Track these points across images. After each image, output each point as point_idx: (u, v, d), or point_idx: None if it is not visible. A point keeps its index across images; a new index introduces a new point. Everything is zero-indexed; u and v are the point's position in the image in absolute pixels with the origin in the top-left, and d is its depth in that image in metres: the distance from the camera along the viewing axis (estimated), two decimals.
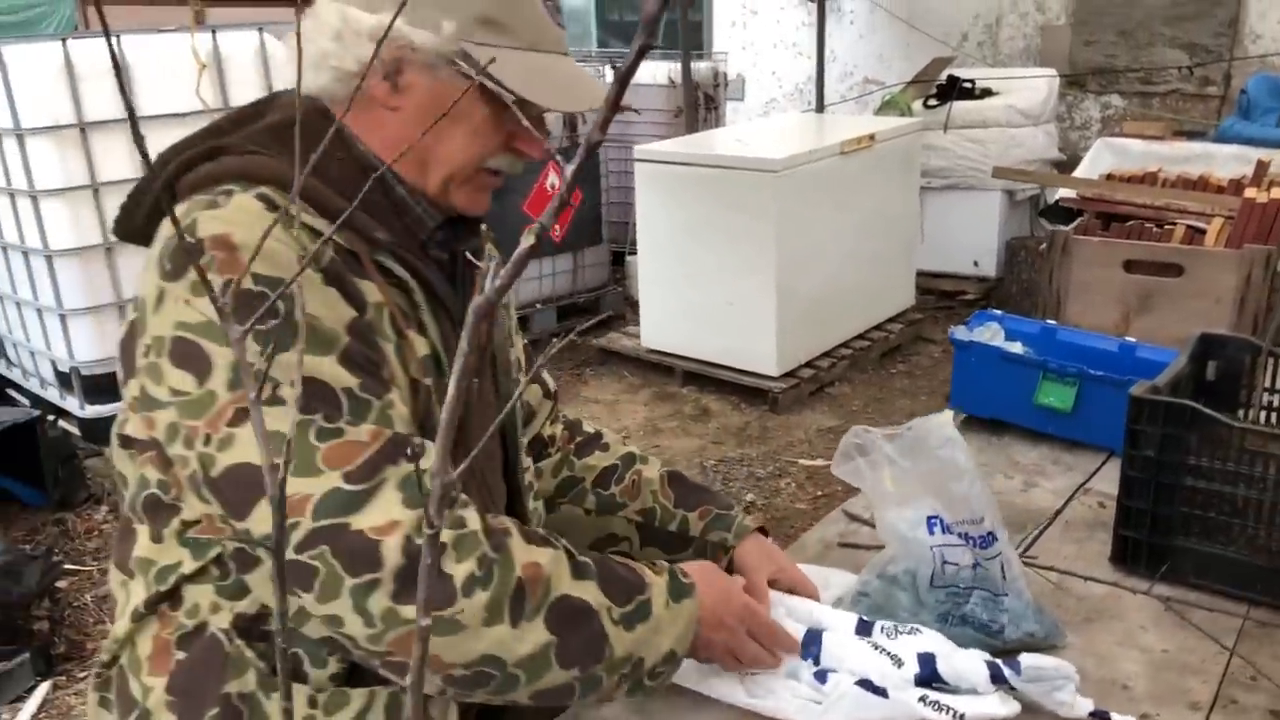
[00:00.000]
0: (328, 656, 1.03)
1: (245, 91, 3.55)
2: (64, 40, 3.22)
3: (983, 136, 5.34)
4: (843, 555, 1.51)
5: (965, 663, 1.13)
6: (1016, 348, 1.97)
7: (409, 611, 0.89)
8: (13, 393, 3.93)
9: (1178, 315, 2.95)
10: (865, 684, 1.12)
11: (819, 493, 3.55)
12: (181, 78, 3.36)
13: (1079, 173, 4.38)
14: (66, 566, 3.10)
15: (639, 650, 1.02)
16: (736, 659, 1.15)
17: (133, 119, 0.54)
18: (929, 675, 1.13)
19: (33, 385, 3.73)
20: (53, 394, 3.61)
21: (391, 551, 0.90)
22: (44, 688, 2.60)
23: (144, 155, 0.52)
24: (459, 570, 0.92)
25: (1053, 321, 2.10)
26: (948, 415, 1.23)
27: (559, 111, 1.11)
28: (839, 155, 4.32)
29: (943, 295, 5.49)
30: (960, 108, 5.38)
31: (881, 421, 1.29)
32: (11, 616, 2.63)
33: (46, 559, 2.80)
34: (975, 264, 5.49)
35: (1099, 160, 4.39)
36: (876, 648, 1.15)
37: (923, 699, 1.11)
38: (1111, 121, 6.32)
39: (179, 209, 1.03)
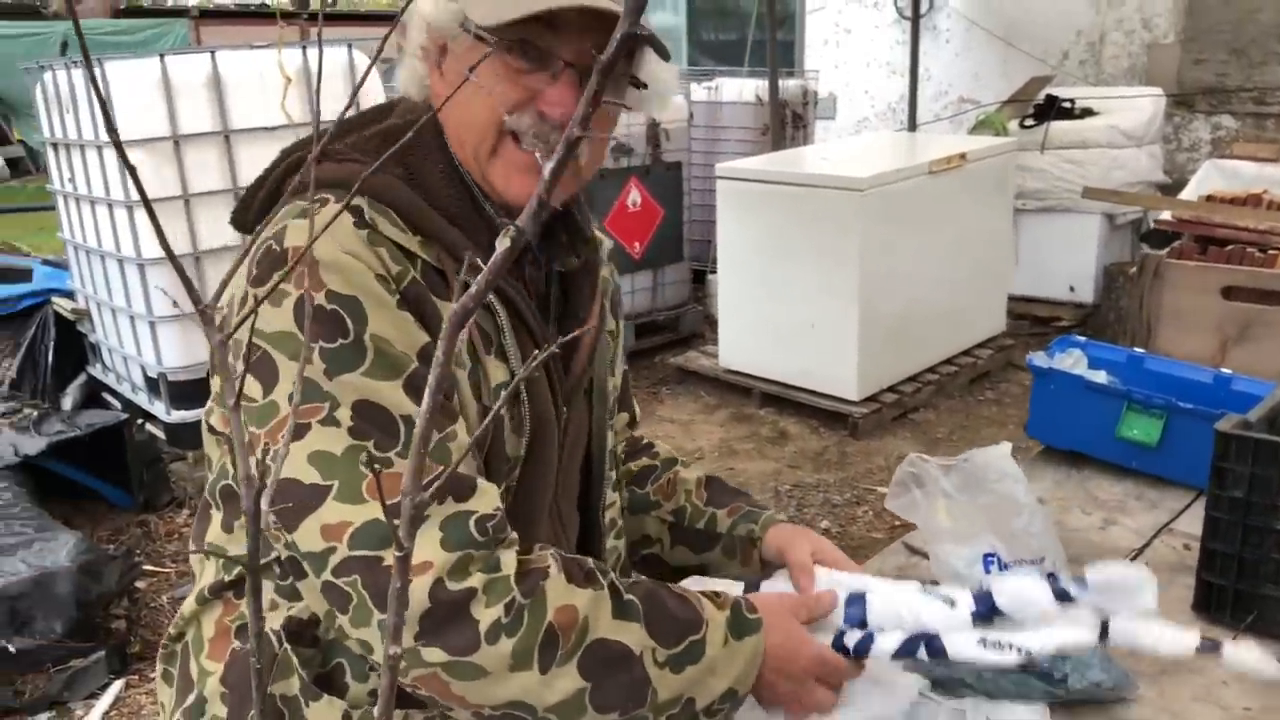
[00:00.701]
0: (369, 671, 1.01)
1: (333, 105, 3.62)
2: (162, 56, 3.33)
3: (1081, 158, 5.15)
4: None
5: (1025, 589, 1.01)
6: (1100, 376, 1.86)
7: (431, 654, 0.89)
8: (107, 396, 4.07)
9: None
10: (915, 639, 1.02)
11: (896, 523, 3.44)
12: (271, 93, 3.44)
13: (1184, 195, 4.18)
14: (146, 567, 3.17)
15: (689, 691, 0.98)
16: (801, 706, 1.07)
17: (115, 136, 0.52)
18: (987, 610, 1.02)
19: (124, 389, 3.85)
20: (142, 399, 3.72)
21: (419, 593, 0.89)
22: (117, 685, 2.66)
23: (127, 165, 0.50)
24: (485, 615, 0.90)
25: (1141, 350, 1.98)
26: (1006, 447, 1.16)
27: (511, 20, 0.95)
28: (927, 175, 4.21)
29: (1036, 321, 5.30)
30: (1058, 128, 5.20)
31: (967, 451, 1.23)
32: (90, 614, 2.70)
33: (127, 559, 2.87)
34: (1071, 289, 5.29)
35: (1206, 183, 4.19)
36: (927, 591, 1.05)
37: (982, 641, 1.00)
38: (1222, 143, 6.04)
39: (280, 212, 1.04)
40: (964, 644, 0.99)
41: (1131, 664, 1.25)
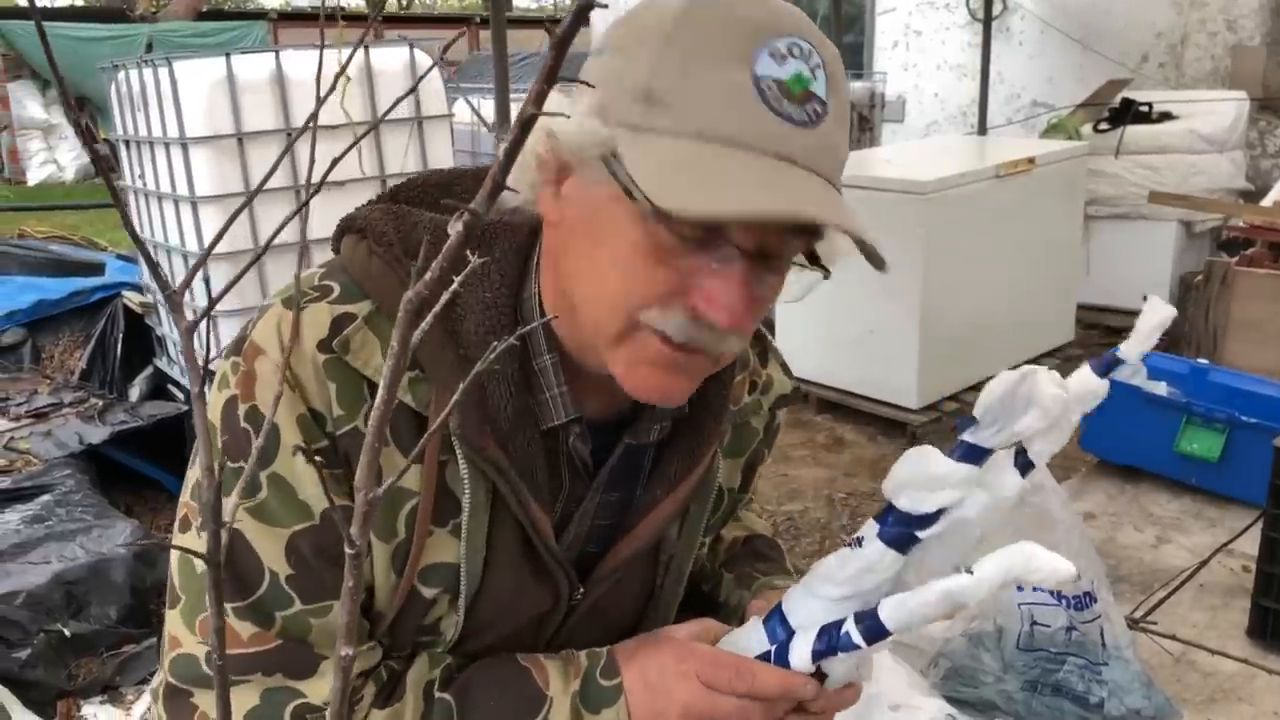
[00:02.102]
0: None
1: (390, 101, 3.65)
2: (228, 55, 3.39)
3: (1158, 163, 4.98)
4: None
5: (915, 471, 0.82)
6: (1160, 388, 1.78)
7: None
8: (172, 388, 4.16)
9: None
10: (833, 627, 0.83)
11: None
12: (333, 92, 3.48)
13: (1266, 203, 4.02)
14: None
15: None
16: None
17: (82, 129, 0.51)
18: (893, 523, 0.83)
19: (187, 382, 3.93)
20: None
21: None
22: None
23: (94, 155, 0.49)
24: None
25: (1206, 361, 1.89)
26: None
27: (699, 218, 0.73)
28: (994, 179, 4.11)
29: (1107, 331, 5.15)
30: (1134, 132, 5.04)
31: None
32: (144, 601, 2.75)
33: None
34: (1144, 299, 5.12)
35: None
36: (836, 554, 0.87)
37: (912, 592, 0.79)
38: None
39: (288, 285, 0.91)
40: (896, 606, 0.78)
41: (1178, 690, 1.18)
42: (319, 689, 0.85)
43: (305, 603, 0.85)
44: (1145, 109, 5.15)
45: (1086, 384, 0.86)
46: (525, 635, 0.97)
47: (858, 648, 0.80)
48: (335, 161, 0.61)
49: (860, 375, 4.19)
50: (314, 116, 0.74)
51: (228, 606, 0.85)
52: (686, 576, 1.04)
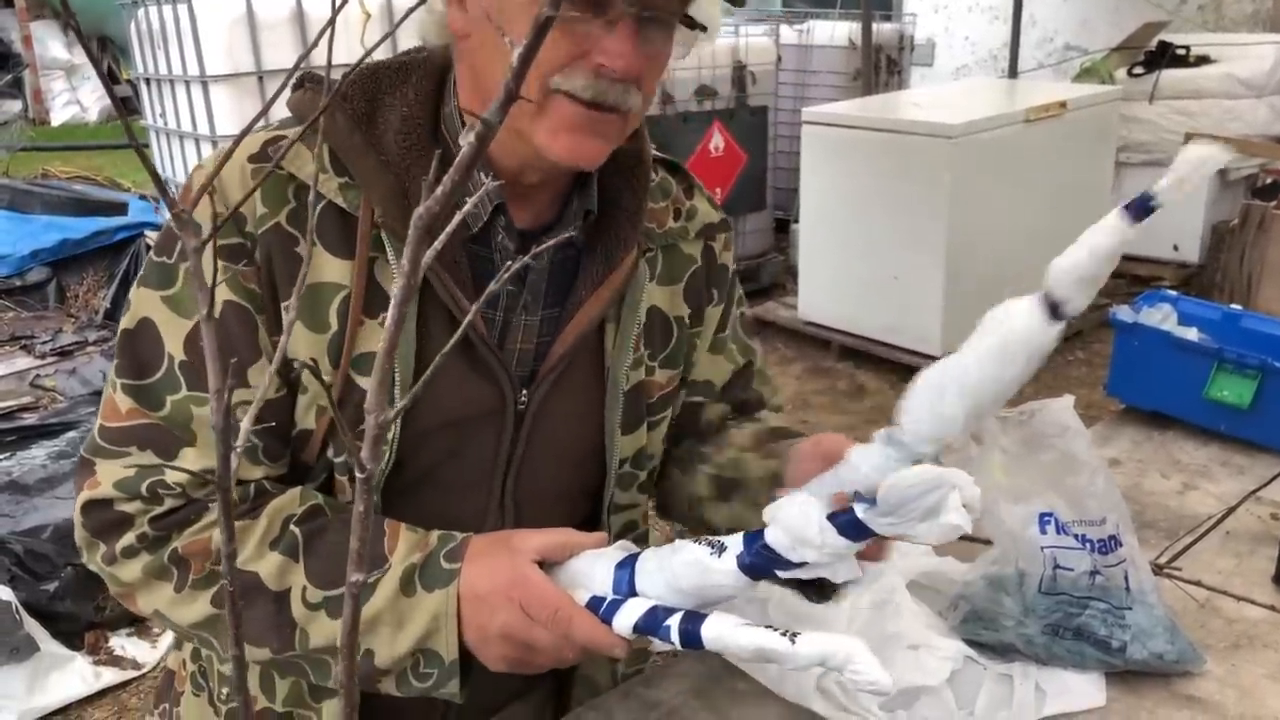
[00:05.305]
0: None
1: (414, 41, 3.61)
2: None
3: (1194, 108, 4.87)
4: (954, 547, 1.38)
5: (795, 517, 0.81)
6: (1191, 333, 1.75)
7: (88, 559, 0.96)
8: None
9: None
10: (664, 612, 0.84)
11: None
12: (353, 28, 3.43)
13: None
14: None
15: (360, 641, 0.89)
16: (531, 652, 0.89)
17: (96, 63, 0.49)
18: (756, 559, 0.84)
19: None
20: None
21: (79, 505, 0.94)
22: None
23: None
24: (122, 540, 0.93)
25: (1239, 307, 1.85)
26: (1068, 400, 1.08)
27: None
28: (1023, 123, 4.03)
29: (1135, 280, 5.07)
30: (1170, 76, 4.92)
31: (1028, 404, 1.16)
32: None
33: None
34: (1175, 248, 5.04)
35: None
36: (699, 540, 0.87)
37: (750, 623, 0.80)
38: None
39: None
40: (717, 633, 0.80)
41: (1201, 636, 1.17)
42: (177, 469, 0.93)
43: (190, 389, 0.92)
44: (1182, 52, 5.02)
45: (1118, 234, 0.74)
46: (476, 454, 1.00)
47: (672, 644, 0.83)
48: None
49: (883, 322, 4.16)
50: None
51: (118, 381, 0.94)
52: (623, 392, 1.05)
